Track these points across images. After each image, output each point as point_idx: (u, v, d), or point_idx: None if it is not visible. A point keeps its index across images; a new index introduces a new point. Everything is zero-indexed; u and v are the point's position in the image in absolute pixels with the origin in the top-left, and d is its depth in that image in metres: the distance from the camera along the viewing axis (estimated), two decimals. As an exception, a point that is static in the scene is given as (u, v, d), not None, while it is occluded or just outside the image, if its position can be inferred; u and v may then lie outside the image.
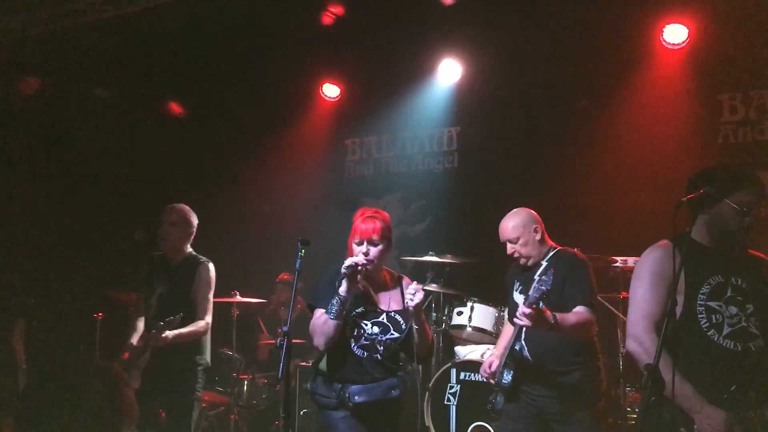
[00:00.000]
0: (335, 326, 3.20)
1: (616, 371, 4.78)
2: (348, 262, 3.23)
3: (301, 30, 6.40)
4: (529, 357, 3.50)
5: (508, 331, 3.89)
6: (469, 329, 5.17)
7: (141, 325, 4.42)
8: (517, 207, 3.84)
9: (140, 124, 7.06)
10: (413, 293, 3.18)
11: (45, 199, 6.51)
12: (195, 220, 4.44)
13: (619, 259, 4.74)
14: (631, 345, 2.59)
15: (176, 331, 4.08)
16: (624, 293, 4.82)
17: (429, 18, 6.17)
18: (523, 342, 3.49)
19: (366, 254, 3.29)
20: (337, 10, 6.38)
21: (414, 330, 3.28)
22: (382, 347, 3.33)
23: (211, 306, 4.34)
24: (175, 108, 7.45)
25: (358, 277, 3.29)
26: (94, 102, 6.70)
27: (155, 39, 6.28)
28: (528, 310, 3.03)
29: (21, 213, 6.16)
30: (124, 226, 6.46)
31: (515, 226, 3.64)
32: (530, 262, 3.63)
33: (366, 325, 3.34)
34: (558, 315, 3.16)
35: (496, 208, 5.90)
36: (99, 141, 6.71)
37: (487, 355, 4.71)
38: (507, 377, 3.49)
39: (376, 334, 3.34)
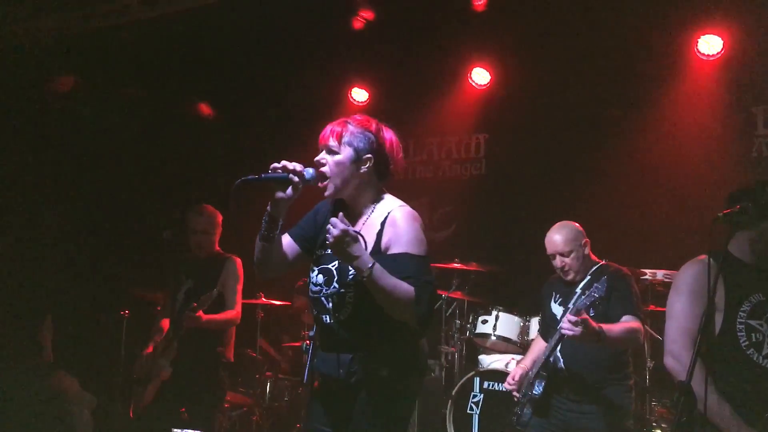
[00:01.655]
0: (260, 248, 2.56)
1: (643, 386, 4.71)
2: (281, 163, 2.44)
3: (332, 34, 6.42)
4: (564, 369, 3.47)
5: (538, 344, 3.85)
6: (493, 338, 5.13)
7: (165, 323, 4.48)
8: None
9: (171, 125, 7.12)
10: (330, 228, 2.30)
11: (75, 197, 6.59)
12: (220, 218, 4.50)
13: (648, 272, 4.67)
14: (669, 362, 2.54)
15: (210, 316, 4.14)
16: (652, 306, 4.75)
17: (459, 24, 6.15)
18: (558, 353, 3.46)
19: (319, 164, 2.51)
20: (367, 14, 6.39)
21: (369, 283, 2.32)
22: (330, 304, 2.50)
23: (240, 298, 4.38)
24: (205, 109, 7.50)
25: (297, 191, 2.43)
26: (127, 102, 6.78)
27: (187, 41, 6.33)
28: (575, 318, 2.98)
29: (51, 210, 6.23)
30: (153, 226, 6.53)
31: (567, 239, 3.56)
32: (577, 277, 3.57)
33: (313, 272, 2.60)
34: (604, 326, 3.12)
35: (522, 217, 5.96)
36: (129, 140, 6.78)
37: (511, 365, 4.68)
38: (538, 388, 3.46)
39: (320, 286, 2.54)
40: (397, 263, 2.38)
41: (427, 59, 6.54)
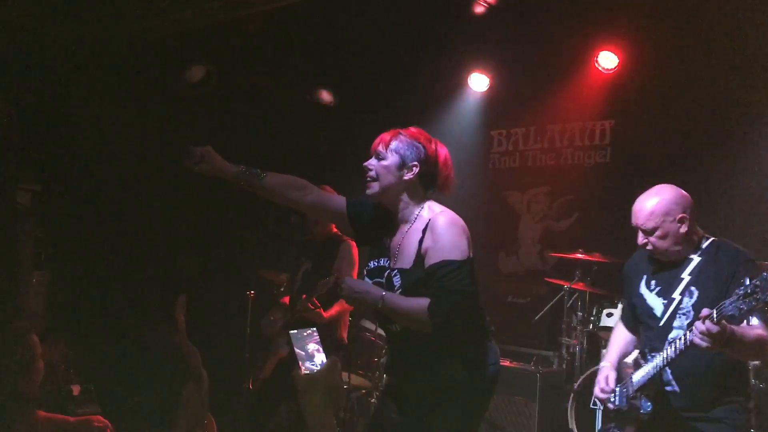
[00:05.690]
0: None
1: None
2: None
3: (453, 19, 6.36)
4: (675, 384, 2.82)
5: (622, 336, 3.20)
6: (618, 332, 4.94)
7: (287, 300, 4.69)
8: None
9: (293, 112, 7.32)
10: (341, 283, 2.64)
11: (204, 183, 6.90)
12: None
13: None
14: None
15: (329, 311, 4.32)
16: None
17: (585, 4, 5.93)
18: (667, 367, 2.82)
19: (366, 168, 2.70)
20: (489, -2, 6.27)
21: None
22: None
23: None
24: (326, 97, 7.64)
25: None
26: (252, 90, 7.01)
27: (309, 30, 6.46)
28: (716, 328, 2.39)
29: (184, 197, 6.55)
30: (279, 211, 6.75)
31: (653, 212, 2.81)
32: (671, 258, 2.87)
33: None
34: (737, 329, 2.48)
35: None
36: (256, 127, 7.03)
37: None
38: (646, 406, 2.85)
39: None
40: (430, 273, 2.52)
41: (551, 43, 6.35)
